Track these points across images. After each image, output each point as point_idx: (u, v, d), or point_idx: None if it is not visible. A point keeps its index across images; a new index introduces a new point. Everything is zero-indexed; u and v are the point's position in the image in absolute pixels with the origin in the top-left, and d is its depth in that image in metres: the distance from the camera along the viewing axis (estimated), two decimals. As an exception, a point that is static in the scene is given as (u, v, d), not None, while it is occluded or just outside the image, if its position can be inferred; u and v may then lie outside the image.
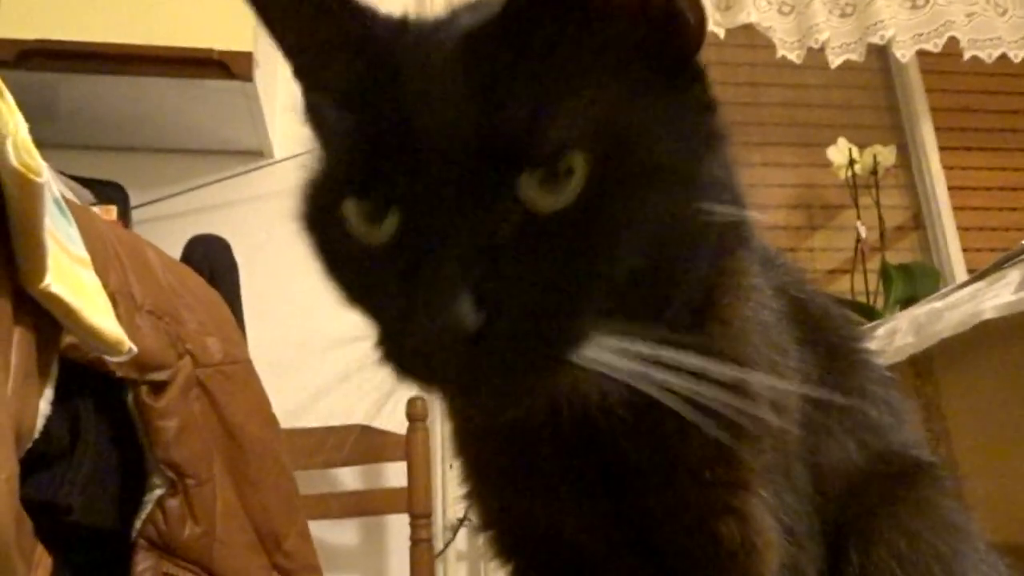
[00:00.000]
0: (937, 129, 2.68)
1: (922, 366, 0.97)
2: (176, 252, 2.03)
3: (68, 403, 0.76)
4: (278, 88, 2.16)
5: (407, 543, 1.79)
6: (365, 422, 1.81)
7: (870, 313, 2.28)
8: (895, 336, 0.98)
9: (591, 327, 0.34)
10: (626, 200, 0.34)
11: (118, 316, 0.79)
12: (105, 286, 0.80)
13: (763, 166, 2.70)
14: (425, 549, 1.78)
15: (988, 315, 0.81)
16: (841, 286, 2.49)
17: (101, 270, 0.79)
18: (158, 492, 0.83)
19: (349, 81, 0.38)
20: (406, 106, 0.35)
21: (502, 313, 0.32)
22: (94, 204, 1.79)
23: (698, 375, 0.35)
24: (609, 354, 0.34)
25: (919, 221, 2.69)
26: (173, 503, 0.83)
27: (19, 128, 0.52)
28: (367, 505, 1.94)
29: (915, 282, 2.33)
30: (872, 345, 0.60)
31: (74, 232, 0.73)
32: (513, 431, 0.45)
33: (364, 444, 1.91)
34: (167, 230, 2.08)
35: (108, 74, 1.83)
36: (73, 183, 1.69)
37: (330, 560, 1.94)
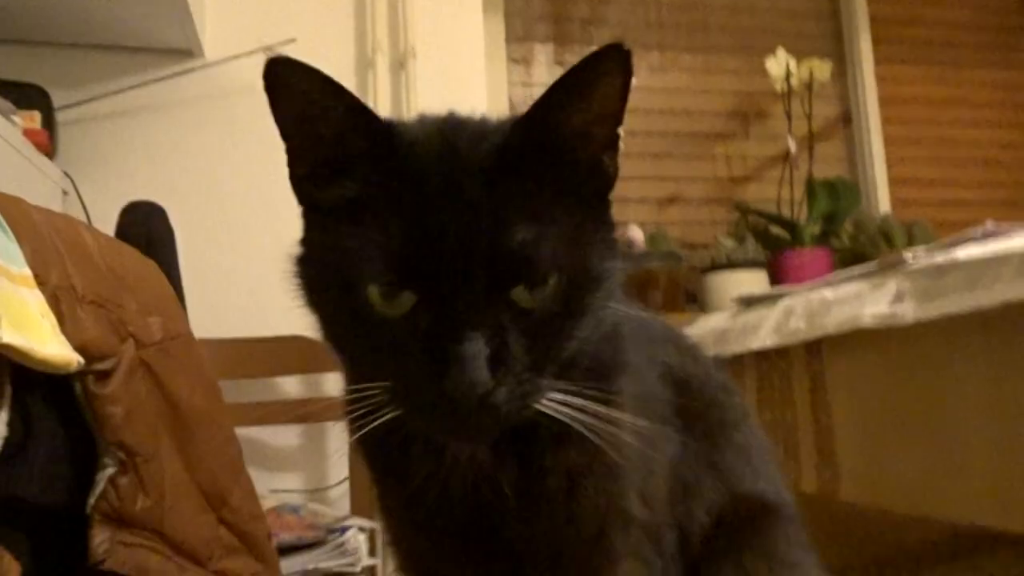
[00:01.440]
0: (875, 40, 2.70)
1: (812, 345, 1.08)
2: (103, 158, 2.01)
3: (18, 400, 0.81)
4: (207, -14, 2.06)
5: (346, 447, 1.90)
6: (305, 333, 1.87)
7: (792, 228, 2.39)
8: (790, 318, 1.08)
9: (549, 384, 0.49)
10: (578, 299, 0.49)
11: (60, 313, 0.83)
12: (46, 284, 0.83)
13: (704, 72, 2.71)
14: (364, 454, 1.91)
15: (866, 323, 0.90)
16: (768, 193, 2.58)
17: (41, 269, 0.82)
18: (109, 471, 0.90)
19: (368, 187, 0.49)
20: (432, 218, 0.46)
21: (503, 377, 0.46)
22: (14, 112, 1.73)
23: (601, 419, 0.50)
24: (552, 402, 0.49)
25: (849, 131, 2.76)
26: (124, 480, 0.90)
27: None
28: (307, 412, 2.04)
29: (838, 198, 2.43)
30: (733, 388, 0.69)
31: (14, 248, 0.75)
32: (428, 496, 0.54)
33: (304, 354, 1.99)
34: (94, 132, 2.03)
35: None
36: (-8, 93, 1.63)
37: (273, 463, 2.06)
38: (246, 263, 2.02)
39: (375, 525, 1.86)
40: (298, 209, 0.55)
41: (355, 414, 0.52)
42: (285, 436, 2.04)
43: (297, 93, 0.48)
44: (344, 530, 1.61)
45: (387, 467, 0.58)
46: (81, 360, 0.76)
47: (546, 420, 0.49)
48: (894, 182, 2.73)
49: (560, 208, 0.49)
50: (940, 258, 0.85)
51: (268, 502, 1.65)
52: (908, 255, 0.91)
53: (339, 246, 0.49)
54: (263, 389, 2.00)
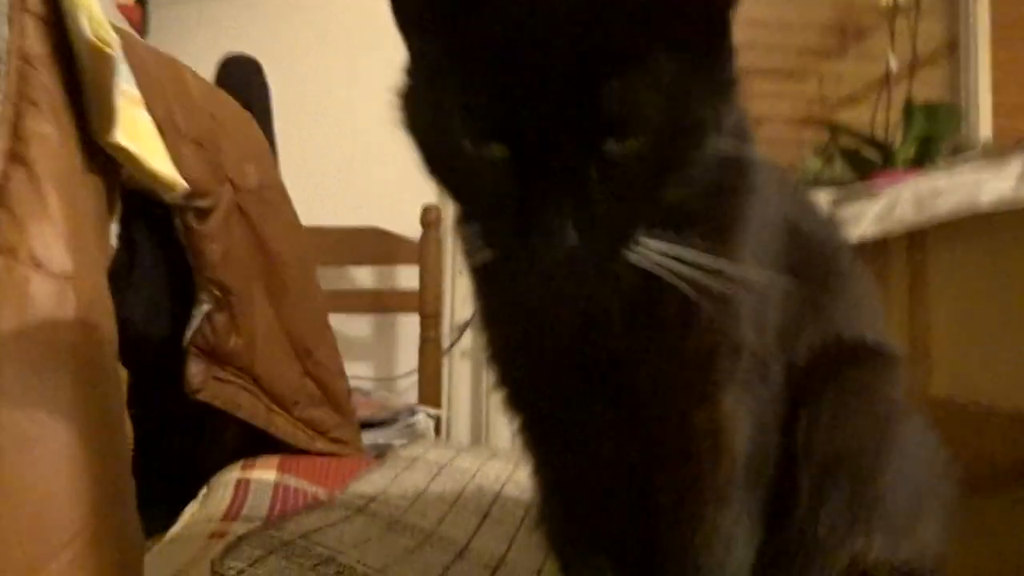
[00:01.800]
0: (992, -44, 2.52)
1: (916, 236, 1.03)
2: (195, 41, 2.02)
3: (124, 227, 0.83)
4: None
5: (416, 340, 1.93)
6: (381, 225, 1.89)
7: (885, 150, 2.28)
8: (896, 207, 1.03)
9: (639, 235, 0.47)
10: (675, 151, 0.45)
11: (165, 146, 0.84)
12: (152, 116, 0.84)
13: (802, -18, 2.58)
14: (433, 347, 1.94)
15: (984, 207, 0.86)
16: (863, 117, 2.47)
17: (148, 100, 0.83)
18: (206, 307, 0.92)
19: (463, 31, 0.45)
20: (521, 69, 0.43)
21: (588, 233, 0.44)
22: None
23: (705, 271, 0.47)
24: (648, 254, 0.47)
25: (954, 53, 2.61)
26: (220, 317, 0.93)
27: (92, 2, 0.55)
28: (380, 303, 2.07)
29: (936, 121, 2.30)
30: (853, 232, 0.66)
31: (125, 68, 0.76)
32: (530, 318, 0.53)
33: (380, 246, 2.01)
34: (185, 12, 2.05)
35: None
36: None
37: (346, 351, 2.09)
38: (327, 152, 2.03)
39: (441, 413, 1.90)
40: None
41: (470, 245, 0.52)
42: (357, 326, 2.08)
43: None
44: (413, 413, 1.64)
45: (495, 280, 0.57)
46: (186, 185, 0.77)
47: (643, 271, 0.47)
48: (998, 109, 2.58)
49: (666, 44, 0.44)
50: (1075, 134, 0.80)
51: (342, 383, 1.70)
52: (1037, 134, 0.86)
53: (434, 92, 0.48)
54: (337, 278, 2.03)
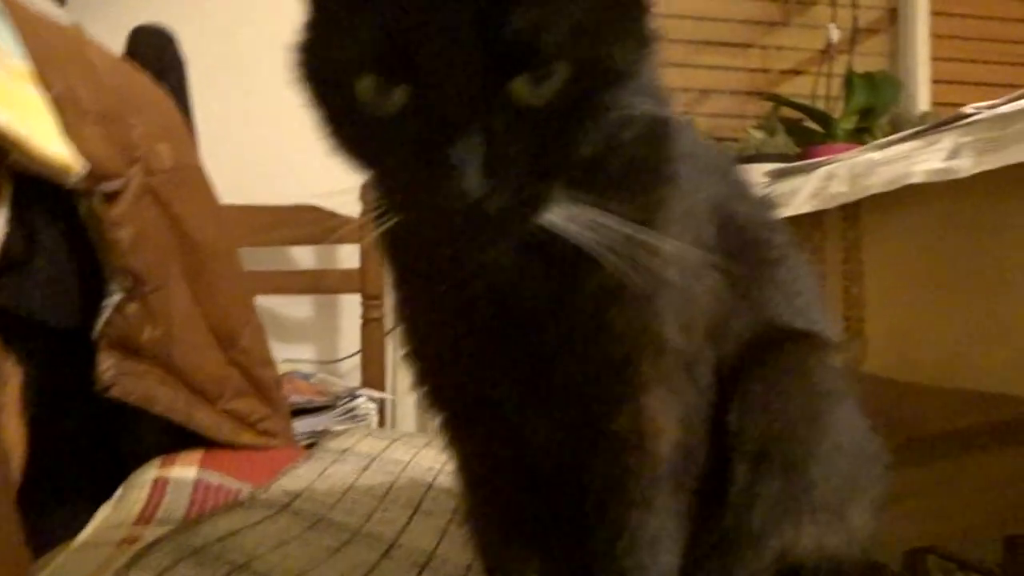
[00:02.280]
0: (930, -76, 2.54)
1: (849, 211, 1.02)
2: (118, 5, 1.92)
3: (21, 213, 0.78)
4: None
5: (359, 321, 1.89)
6: (320, 203, 1.83)
7: (826, 121, 2.30)
8: (831, 182, 1.02)
9: (556, 196, 0.43)
10: (590, 98, 0.42)
11: (65, 124, 0.79)
12: (48, 90, 0.78)
13: (742, -49, 2.56)
14: (376, 327, 1.90)
15: (916, 179, 0.84)
16: (804, 88, 2.48)
17: (43, 74, 0.77)
18: (117, 297, 0.87)
19: None
20: (421, 4, 0.39)
21: (498, 184, 0.41)
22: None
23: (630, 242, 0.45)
24: (559, 215, 0.43)
25: (894, 23, 2.62)
26: (132, 307, 0.88)
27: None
28: (321, 283, 2.02)
29: (877, 92, 2.32)
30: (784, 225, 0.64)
31: (11, 39, 0.70)
32: (452, 309, 0.50)
33: (319, 225, 1.95)
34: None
35: None
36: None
37: (285, 333, 2.06)
38: (260, 127, 1.95)
39: (386, 396, 1.87)
40: None
41: (374, 213, 0.48)
42: (297, 307, 2.03)
43: None
44: (355, 397, 1.61)
45: (409, 266, 0.54)
46: (82, 170, 0.72)
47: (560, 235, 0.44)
48: (937, 81, 2.61)
49: None
50: (1006, 108, 0.79)
51: (280, 369, 1.65)
52: (968, 108, 0.85)
53: (329, 37, 0.44)
54: (275, 258, 1.97)
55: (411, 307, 0.56)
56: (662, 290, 0.49)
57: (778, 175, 1.23)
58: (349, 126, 0.45)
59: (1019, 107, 0.77)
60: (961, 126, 0.83)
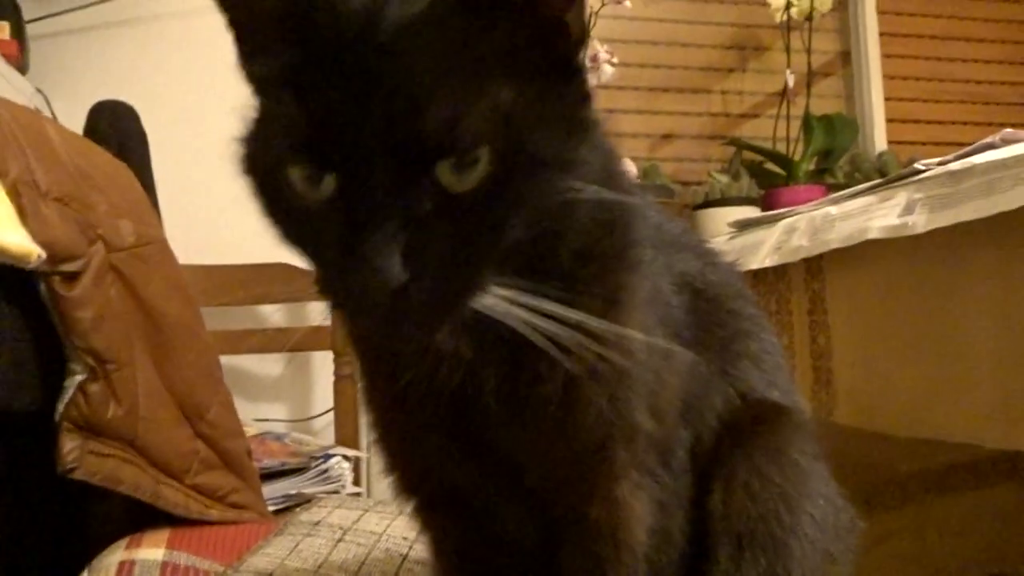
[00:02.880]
0: (876, -29, 2.63)
1: (813, 264, 1.04)
2: (75, 73, 1.92)
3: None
4: None
5: (331, 377, 1.87)
6: (288, 260, 1.83)
7: (787, 163, 2.34)
8: (792, 235, 1.04)
9: (487, 282, 0.43)
10: (517, 184, 0.42)
11: (21, 207, 0.78)
12: (5, 176, 0.78)
13: (701, 1, 2.63)
14: (349, 384, 1.88)
15: (873, 235, 0.86)
16: (764, 131, 2.53)
17: (1, 162, 0.77)
18: (79, 378, 0.85)
19: (290, 55, 0.42)
20: (345, 90, 0.40)
21: (421, 271, 0.40)
22: (-18, 22, 1.65)
23: (577, 329, 0.44)
24: (498, 301, 0.43)
25: (847, 66, 2.70)
26: (95, 387, 0.86)
27: None
28: (292, 341, 2.00)
29: (834, 134, 2.38)
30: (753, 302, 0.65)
31: (-34, 130, 0.70)
32: (414, 400, 0.50)
33: (289, 282, 1.94)
34: (67, 47, 1.95)
35: None
36: (-44, 0, 1.54)
37: (257, 392, 2.03)
38: (224, 185, 1.94)
39: (360, 454, 1.84)
40: None
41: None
42: (268, 365, 2.01)
43: None
44: (328, 457, 1.58)
45: (372, 358, 0.54)
46: (42, 253, 0.71)
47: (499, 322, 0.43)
48: (892, 120, 2.68)
49: (506, 76, 0.42)
50: (956, 165, 0.81)
51: (251, 430, 1.62)
52: (920, 164, 0.87)
53: (263, 124, 0.45)
54: (245, 317, 1.95)
55: (375, 395, 0.56)
56: (629, 376, 0.49)
57: (742, 226, 1.24)
58: (284, 215, 0.46)
59: (968, 164, 0.79)
60: (914, 182, 0.85)
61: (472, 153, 0.40)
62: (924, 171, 0.86)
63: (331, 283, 0.44)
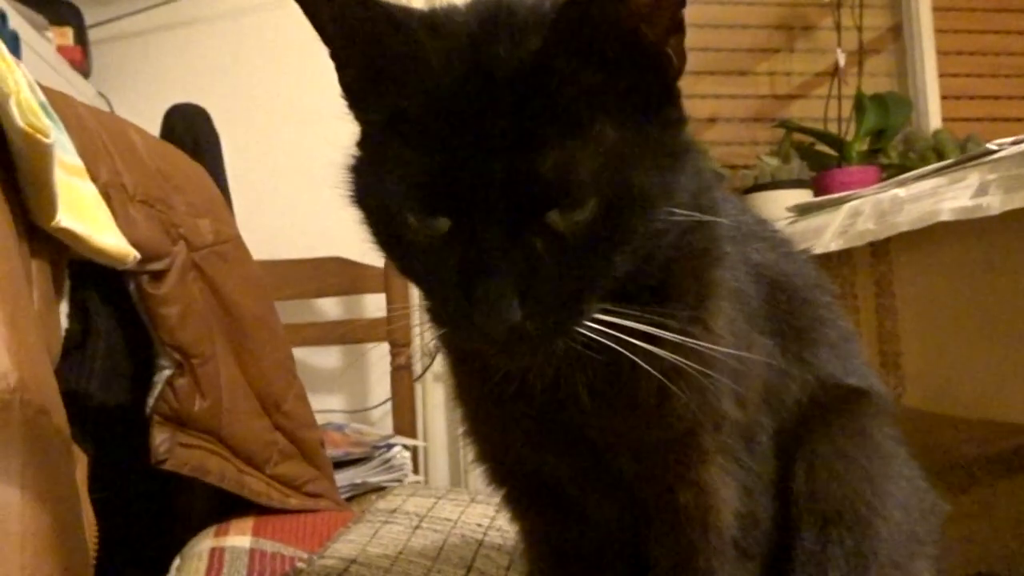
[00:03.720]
0: (929, -55, 2.56)
1: (879, 247, 1.03)
2: (137, 76, 1.97)
3: (77, 297, 0.80)
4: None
5: (388, 368, 1.91)
6: (344, 255, 1.85)
7: (839, 144, 2.31)
8: (857, 219, 1.03)
9: (593, 310, 0.45)
10: (622, 220, 0.44)
11: (112, 210, 0.81)
12: (97, 180, 0.81)
13: (747, -19, 2.60)
14: (405, 374, 1.91)
15: (945, 217, 0.86)
16: (814, 111, 2.49)
17: (91, 165, 0.80)
18: (167, 372, 0.89)
19: (402, 97, 0.45)
20: (460, 135, 0.42)
21: (535, 308, 0.43)
22: (46, 28, 1.70)
23: (673, 346, 0.44)
24: (600, 326, 0.45)
25: (898, 42, 2.64)
26: (182, 381, 0.90)
27: (21, 87, 0.52)
28: (348, 333, 2.04)
29: (887, 113, 2.34)
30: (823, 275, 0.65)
31: (65, 138, 0.73)
32: (507, 390, 0.52)
33: (344, 275, 1.98)
34: (128, 51, 2.00)
35: None
36: (25, 8, 1.60)
37: (316, 383, 2.07)
38: (284, 183, 1.99)
39: (419, 443, 1.88)
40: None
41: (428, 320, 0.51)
42: (326, 358, 2.05)
43: None
44: (390, 447, 1.62)
45: (465, 358, 0.56)
46: (137, 255, 0.75)
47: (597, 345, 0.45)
48: (946, 97, 2.62)
49: (610, 113, 0.43)
50: (1030, 144, 0.80)
51: (314, 420, 1.66)
52: (992, 145, 0.86)
53: (378, 168, 0.47)
54: (303, 311, 2.00)
55: (466, 391, 0.58)
56: (716, 369, 0.50)
57: (802, 211, 1.24)
58: (397, 247, 0.48)
59: (1044, 144, 0.78)
60: (987, 162, 0.84)
61: (583, 201, 0.43)
62: (997, 151, 0.85)
63: (447, 317, 0.46)
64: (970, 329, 0.90)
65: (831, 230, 1.07)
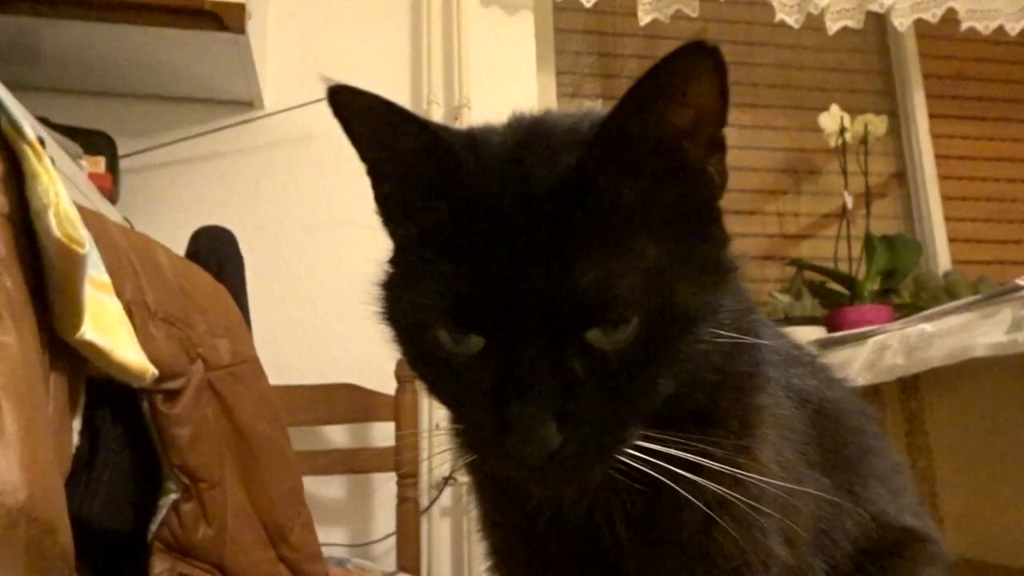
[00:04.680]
0: (929, 97, 2.68)
1: (908, 382, 1.01)
2: (163, 204, 2.03)
3: (87, 415, 0.78)
4: (269, 40, 2.11)
5: (394, 500, 1.84)
6: (355, 382, 1.83)
7: (851, 283, 2.32)
8: (884, 353, 1.02)
9: (635, 435, 0.43)
10: (664, 340, 0.42)
11: (134, 326, 0.80)
12: (121, 296, 0.81)
13: (753, 128, 2.70)
14: (411, 507, 1.84)
15: (980, 352, 0.84)
16: (823, 251, 2.52)
17: (117, 280, 0.80)
18: (173, 496, 0.86)
19: (437, 212, 0.44)
20: (495, 251, 0.41)
21: (574, 432, 0.40)
22: (81, 157, 1.76)
23: (718, 477, 0.41)
24: (641, 453, 0.42)
25: (903, 186, 2.71)
26: (187, 507, 0.86)
27: (60, 198, 0.53)
28: (355, 463, 1.98)
29: (897, 254, 2.37)
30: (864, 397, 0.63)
31: (95, 254, 0.73)
32: (538, 527, 0.49)
33: (353, 403, 1.95)
34: (155, 180, 2.06)
35: (95, 20, 1.76)
36: (61, 137, 1.65)
37: (319, 515, 1.98)
38: (299, 311, 2.00)
39: (423, 582, 1.78)
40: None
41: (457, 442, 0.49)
42: (331, 487, 1.98)
43: (364, 111, 0.46)
44: (393, 584, 1.53)
45: (496, 486, 0.53)
46: (155, 372, 0.73)
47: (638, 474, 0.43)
48: (954, 240, 2.66)
49: (651, 230, 0.42)
50: (1063, 281, 0.80)
51: (315, 554, 1.59)
52: (1022, 280, 0.86)
53: (411, 282, 0.46)
54: (309, 438, 1.95)
55: (494, 522, 0.55)
56: (764, 501, 0.48)
57: (823, 345, 1.23)
58: (428, 367, 0.47)
59: (1077, 280, 0.78)
60: (1018, 298, 0.84)
61: (624, 318, 0.41)
62: (1027, 287, 0.85)
63: (478, 442, 0.44)
64: (1012, 468, 0.87)
65: (857, 364, 1.06)
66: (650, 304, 0.41)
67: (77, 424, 0.67)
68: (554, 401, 0.40)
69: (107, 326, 0.66)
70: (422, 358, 0.47)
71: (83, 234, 0.56)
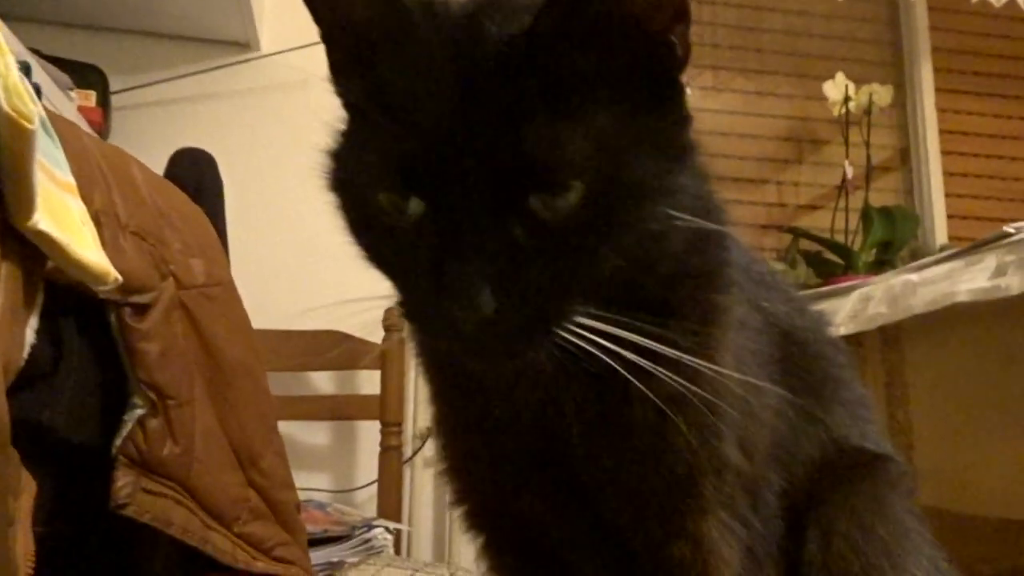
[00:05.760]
0: (936, 70, 2.65)
1: (890, 333, 1.00)
2: (155, 143, 2.00)
3: (51, 323, 0.76)
4: (267, -21, 2.07)
5: (377, 448, 1.84)
6: (343, 329, 1.82)
7: (846, 254, 2.31)
8: (868, 303, 1.00)
9: (575, 312, 0.41)
10: (612, 212, 0.41)
11: (102, 237, 0.79)
12: (90, 205, 0.79)
13: (757, 95, 2.67)
14: (394, 456, 1.85)
15: (962, 298, 0.83)
16: (821, 222, 2.51)
17: (86, 189, 0.78)
18: (139, 412, 0.84)
19: (385, 71, 0.43)
20: (441, 111, 0.40)
21: (510, 300, 0.39)
22: (71, 88, 1.74)
23: (674, 368, 0.42)
24: (586, 332, 0.41)
25: (906, 161, 2.69)
26: (154, 423, 0.85)
27: (10, 70, 0.51)
28: (340, 410, 1.98)
29: (894, 226, 2.35)
30: (840, 336, 0.62)
31: (60, 155, 0.71)
32: (491, 423, 0.48)
33: (340, 350, 1.94)
34: (147, 118, 2.03)
35: (89, -49, 1.74)
36: (50, 66, 1.63)
37: (301, 460, 2.00)
38: (286, 256, 1.99)
39: (402, 527, 1.79)
40: None
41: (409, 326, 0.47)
42: (314, 434, 1.99)
43: None
44: (371, 527, 1.54)
45: (448, 379, 0.52)
46: (119, 277, 0.72)
47: (584, 353, 0.41)
48: (952, 217, 2.65)
49: (605, 99, 0.40)
50: (1050, 225, 0.78)
51: (294, 496, 1.59)
52: (1010, 228, 0.84)
53: (355, 146, 0.46)
54: (295, 384, 1.95)
55: (448, 422, 0.54)
56: (719, 405, 0.46)
57: (812, 298, 1.21)
58: (370, 234, 0.46)
59: (1064, 224, 0.76)
60: (1004, 245, 0.82)
61: (569, 184, 0.40)
62: (1015, 234, 0.83)
63: (417, 308, 0.43)
64: (990, 419, 0.86)
65: (842, 314, 1.04)
66: (596, 173, 0.39)
67: (34, 322, 0.66)
68: (491, 266, 0.38)
69: (67, 223, 0.64)
70: (364, 226, 0.46)
71: (32, 109, 0.54)
